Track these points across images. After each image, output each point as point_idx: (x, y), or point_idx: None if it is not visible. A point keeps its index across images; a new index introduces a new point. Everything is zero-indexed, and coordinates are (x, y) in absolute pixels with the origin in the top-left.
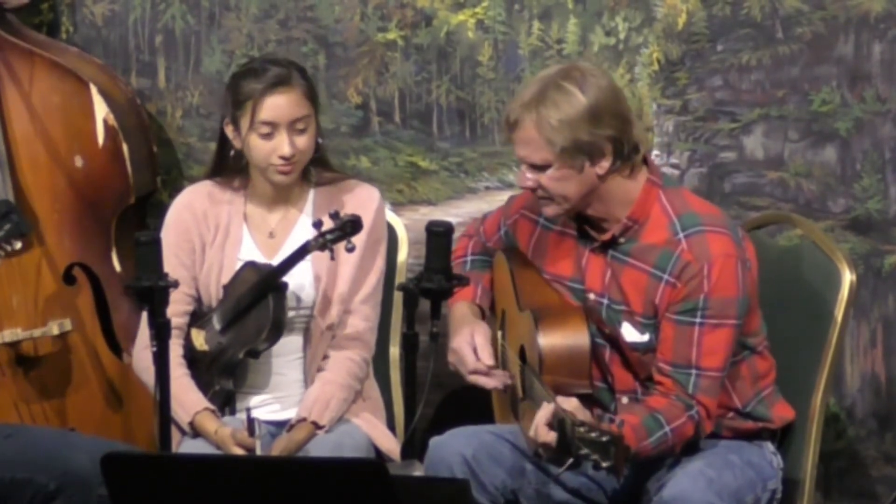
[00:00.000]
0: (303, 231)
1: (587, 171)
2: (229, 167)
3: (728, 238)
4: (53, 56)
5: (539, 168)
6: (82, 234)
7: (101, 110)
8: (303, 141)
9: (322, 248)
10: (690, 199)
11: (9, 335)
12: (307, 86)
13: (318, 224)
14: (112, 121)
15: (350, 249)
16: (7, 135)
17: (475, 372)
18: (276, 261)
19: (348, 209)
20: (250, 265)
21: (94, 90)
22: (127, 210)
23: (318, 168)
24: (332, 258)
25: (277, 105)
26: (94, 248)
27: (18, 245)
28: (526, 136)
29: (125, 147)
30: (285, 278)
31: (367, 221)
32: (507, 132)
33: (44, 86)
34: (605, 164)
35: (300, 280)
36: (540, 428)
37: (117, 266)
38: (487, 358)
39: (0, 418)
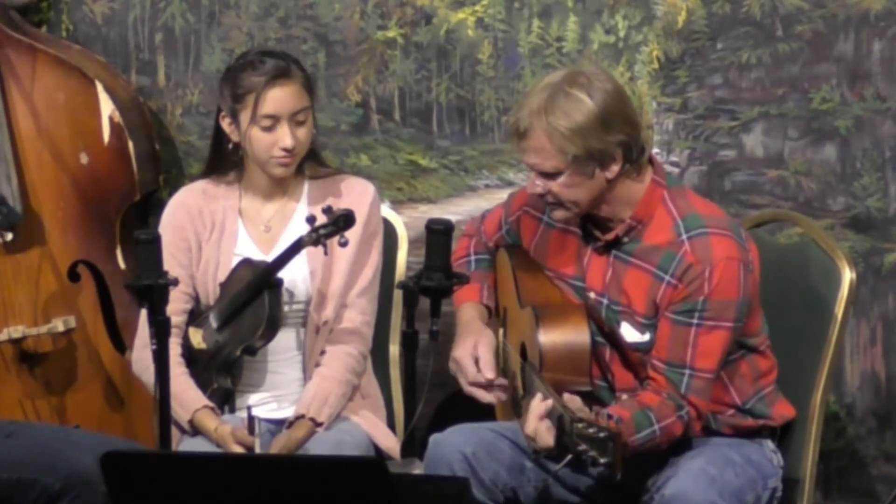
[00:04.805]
0: (298, 224)
1: (597, 177)
2: (226, 161)
3: (731, 240)
4: (58, 53)
5: (550, 175)
6: (87, 232)
7: (106, 107)
8: (303, 133)
9: (315, 243)
10: (694, 199)
11: (13, 332)
12: (305, 77)
13: (311, 219)
14: (118, 118)
15: (343, 244)
16: (13, 132)
17: (474, 384)
18: (272, 255)
19: (343, 202)
20: (246, 262)
21: (99, 87)
22: (132, 207)
23: (311, 161)
24: (326, 253)
25: (279, 98)
26: (98, 245)
27: (10, 236)
28: (536, 145)
29: (131, 144)
30: (280, 274)
31: (361, 215)
32: (516, 141)
33: (48, 82)
34: (615, 169)
35: (293, 275)
36: (532, 419)
37: (122, 263)
38: (489, 371)
39: (4, 415)
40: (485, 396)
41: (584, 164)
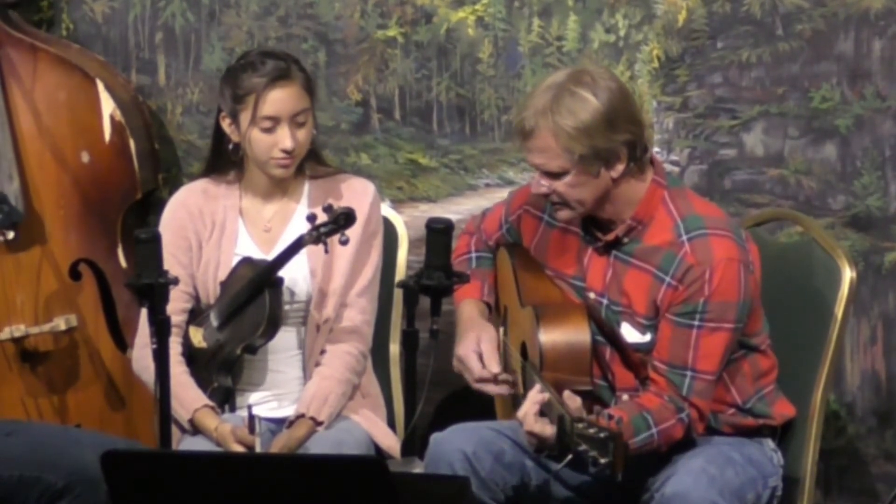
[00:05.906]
0: (299, 224)
1: (603, 176)
2: (225, 161)
3: (731, 241)
4: (58, 52)
5: (555, 175)
6: (88, 230)
7: (107, 106)
8: (303, 134)
9: (316, 241)
10: (694, 200)
11: (14, 330)
12: (305, 78)
13: (311, 217)
14: (119, 116)
15: (344, 242)
16: (14, 131)
17: (481, 380)
18: (272, 255)
19: (343, 202)
20: (246, 261)
21: (100, 86)
22: (132, 206)
23: (311, 161)
24: (327, 251)
25: (279, 99)
26: (99, 243)
27: (11, 234)
28: (542, 144)
29: (132, 143)
30: (281, 272)
31: (362, 214)
32: (521, 141)
33: (49, 81)
34: (619, 168)
35: (293, 274)
36: (529, 416)
37: (123, 262)
38: (494, 366)
39: (6, 414)
40: (493, 390)
41: (589, 163)
